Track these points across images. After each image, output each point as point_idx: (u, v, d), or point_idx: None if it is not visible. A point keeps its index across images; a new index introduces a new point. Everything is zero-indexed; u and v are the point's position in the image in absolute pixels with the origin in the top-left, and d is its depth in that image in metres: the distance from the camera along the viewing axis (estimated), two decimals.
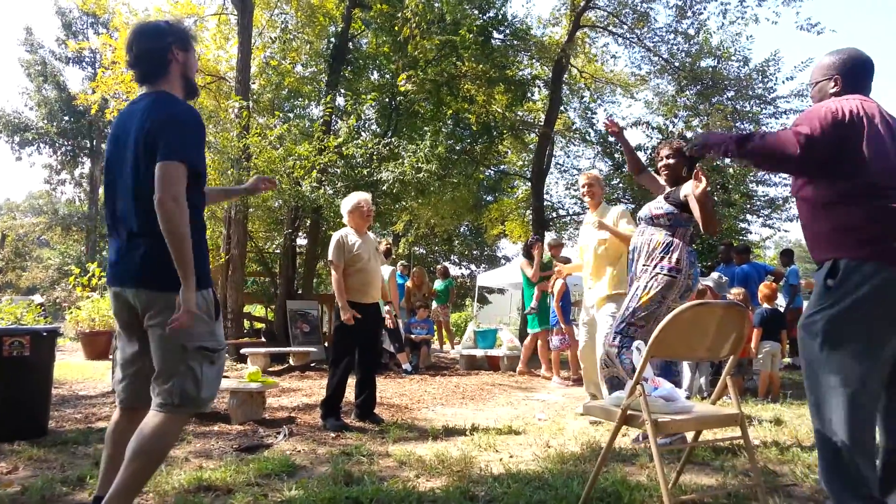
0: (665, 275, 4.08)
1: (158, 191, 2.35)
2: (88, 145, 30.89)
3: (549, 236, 8.29)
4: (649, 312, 4.07)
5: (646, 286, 4.12)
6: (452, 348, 12.66)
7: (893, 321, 2.39)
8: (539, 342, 8.72)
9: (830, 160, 2.45)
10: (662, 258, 4.12)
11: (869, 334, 2.38)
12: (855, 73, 2.65)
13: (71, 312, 11.40)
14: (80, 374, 7.82)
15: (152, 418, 2.46)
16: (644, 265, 4.20)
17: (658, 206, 4.25)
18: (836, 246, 2.46)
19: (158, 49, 2.54)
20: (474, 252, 27.47)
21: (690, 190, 3.96)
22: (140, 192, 2.45)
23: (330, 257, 5.15)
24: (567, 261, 8.58)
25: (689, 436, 3.22)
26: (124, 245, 2.52)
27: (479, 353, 9.94)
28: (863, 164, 2.41)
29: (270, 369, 8.51)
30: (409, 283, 11.45)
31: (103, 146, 31.83)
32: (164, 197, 2.35)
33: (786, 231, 15.14)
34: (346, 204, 5.30)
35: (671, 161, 4.31)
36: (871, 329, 2.38)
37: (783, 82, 13.77)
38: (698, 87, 13.90)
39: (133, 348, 2.62)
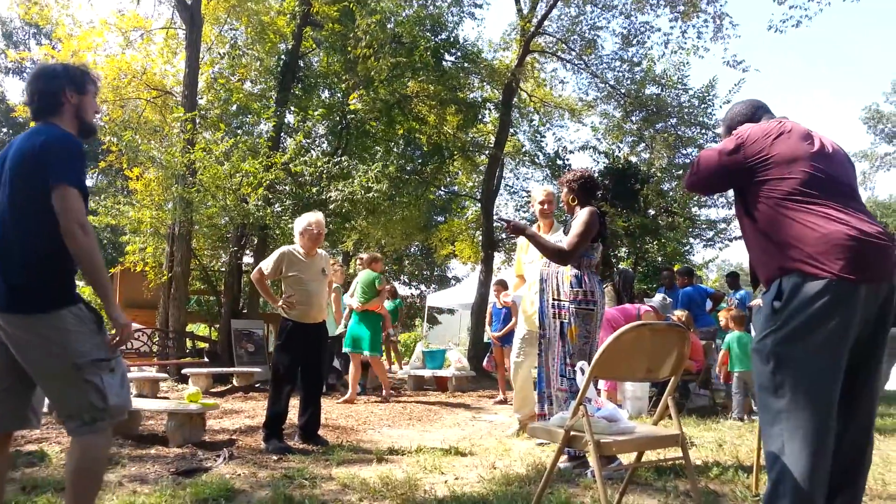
0: (583, 309, 4.13)
1: (64, 220, 2.38)
2: None
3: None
4: (579, 349, 4.08)
5: (569, 324, 4.13)
6: (401, 368, 12.58)
7: (845, 340, 2.30)
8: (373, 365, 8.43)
9: (737, 179, 2.54)
10: (576, 293, 4.15)
11: (821, 355, 2.29)
12: (749, 115, 2.75)
13: None
14: None
15: (75, 444, 2.46)
16: (555, 300, 4.23)
17: (559, 240, 4.31)
18: (777, 263, 2.39)
19: (51, 90, 2.62)
20: (424, 272, 27.43)
21: (575, 218, 4.18)
22: (12, 211, 2.46)
23: (262, 263, 5.25)
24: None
25: (631, 457, 3.24)
26: None
27: (427, 373, 9.89)
28: (787, 178, 2.40)
29: (213, 390, 8.31)
30: None
31: None
32: (71, 227, 2.38)
33: (726, 246, 15.61)
34: (298, 225, 5.30)
35: (571, 192, 4.40)
36: (824, 349, 2.29)
37: (720, 106, 14.21)
38: (643, 113, 14.26)
39: (2, 366, 2.51)
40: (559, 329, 4.18)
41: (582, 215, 4.14)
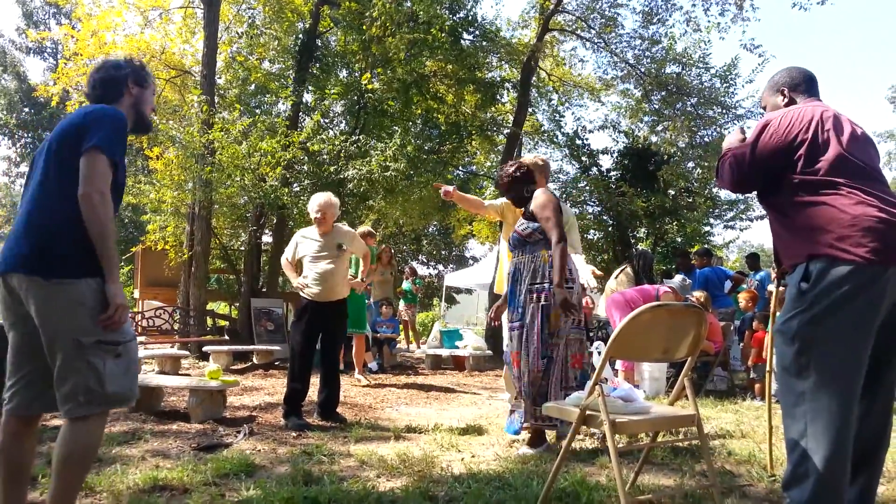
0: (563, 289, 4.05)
1: (84, 184, 2.35)
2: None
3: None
4: (559, 330, 4.03)
5: (550, 305, 4.04)
6: (418, 348, 12.66)
7: (872, 323, 2.30)
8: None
9: (774, 168, 2.51)
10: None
11: (847, 338, 2.29)
12: (798, 83, 2.77)
13: None
14: None
15: (67, 426, 2.36)
16: (532, 283, 4.12)
17: (523, 226, 4.22)
18: (805, 248, 2.40)
19: (115, 79, 2.69)
20: (442, 252, 27.48)
21: (533, 205, 4.19)
22: (46, 179, 2.46)
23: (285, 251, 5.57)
24: None
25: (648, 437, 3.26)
26: (21, 230, 2.43)
27: (444, 352, 9.95)
28: (816, 163, 2.42)
29: (233, 367, 8.42)
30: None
31: None
32: (90, 192, 2.35)
33: (746, 227, 15.36)
34: None
35: (511, 190, 4.42)
36: (850, 332, 2.29)
37: (742, 86, 13.97)
38: (663, 93, 14.07)
39: (24, 347, 2.46)
40: (541, 312, 4.06)
41: (541, 199, 4.15)
